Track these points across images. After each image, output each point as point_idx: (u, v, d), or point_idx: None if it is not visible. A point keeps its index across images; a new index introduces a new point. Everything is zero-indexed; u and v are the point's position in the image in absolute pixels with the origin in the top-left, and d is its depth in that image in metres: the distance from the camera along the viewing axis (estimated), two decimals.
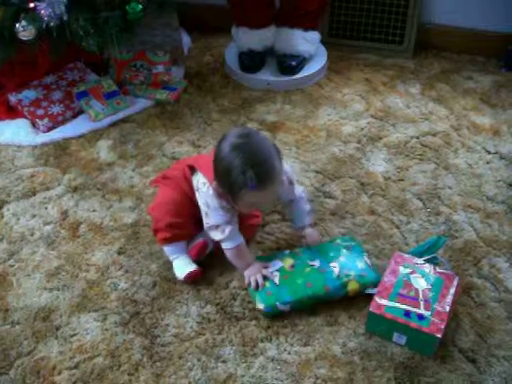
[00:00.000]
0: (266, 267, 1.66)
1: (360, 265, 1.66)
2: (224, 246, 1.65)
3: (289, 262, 1.68)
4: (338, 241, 1.75)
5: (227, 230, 1.62)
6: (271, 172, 1.50)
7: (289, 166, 1.75)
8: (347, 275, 1.63)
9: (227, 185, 1.53)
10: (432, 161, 2.10)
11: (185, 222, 1.70)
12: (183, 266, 1.70)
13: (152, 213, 1.76)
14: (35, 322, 1.63)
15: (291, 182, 1.69)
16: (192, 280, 1.69)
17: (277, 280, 1.64)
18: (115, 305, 1.66)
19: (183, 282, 1.70)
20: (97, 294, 1.69)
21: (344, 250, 1.70)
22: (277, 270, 1.66)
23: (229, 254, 1.67)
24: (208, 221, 1.63)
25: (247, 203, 1.56)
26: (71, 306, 1.66)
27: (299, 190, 1.76)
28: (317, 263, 1.66)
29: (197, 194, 1.65)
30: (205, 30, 2.81)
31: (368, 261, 1.69)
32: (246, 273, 1.66)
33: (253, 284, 1.63)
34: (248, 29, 2.48)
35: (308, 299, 1.61)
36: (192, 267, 1.69)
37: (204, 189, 1.62)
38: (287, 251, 1.73)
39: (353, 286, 1.62)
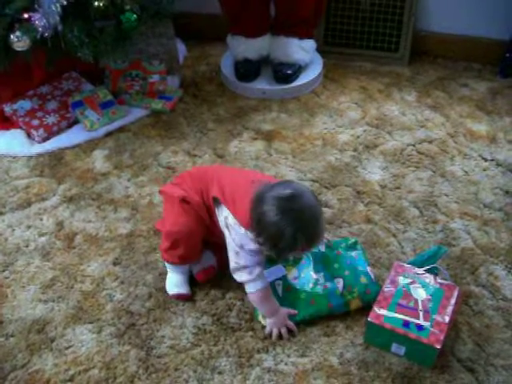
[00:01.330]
0: (289, 315, 1.60)
1: (364, 280, 1.64)
2: (248, 288, 1.56)
3: (292, 271, 1.67)
4: (343, 246, 1.74)
5: (256, 271, 1.53)
6: (320, 234, 1.45)
7: None
8: (351, 293, 1.61)
9: (273, 247, 1.43)
10: (428, 168, 2.09)
11: (196, 251, 1.67)
12: (176, 284, 1.69)
13: (165, 235, 1.67)
14: (30, 334, 1.62)
15: None
16: (179, 300, 1.68)
17: (280, 291, 1.63)
18: (110, 316, 1.65)
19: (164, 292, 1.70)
20: (92, 306, 1.68)
21: (348, 262, 1.68)
22: (279, 279, 1.65)
23: (252, 298, 1.57)
24: (238, 260, 1.53)
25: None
26: (66, 318, 1.65)
27: None
28: (321, 278, 1.64)
29: (226, 232, 1.55)
30: (200, 39, 2.81)
31: (371, 273, 1.67)
32: (271, 322, 1.58)
33: (274, 337, 1.57)
34: (243, 38, 2.48)
35: (310, 317, 1.60)
36: (183, 289, 1.68)
37: (238, 228, 1.52)
38: (290, 257, 1.70)
39: (355, 305, 1.61)
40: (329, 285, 1.63)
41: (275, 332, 1.57)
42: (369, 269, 1.68)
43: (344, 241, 1.76)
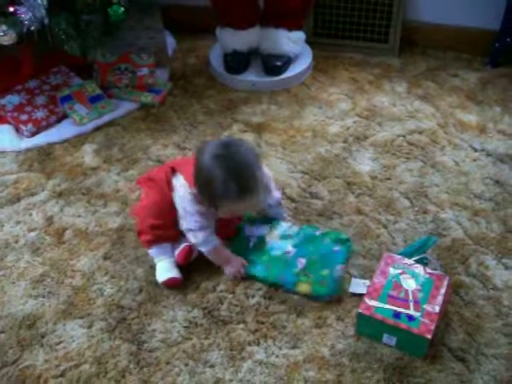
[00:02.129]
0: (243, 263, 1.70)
1: (325, 272, 1.65)
2: (199, 248, 1.68)
3: (273, 234, 1.76)
4: (328, 238, 1.75)
5: (200, 235, 1.64)
6: (252, 182, 1.51)
7: (267, 170, 1.75)
8: (306, 276, 1.64)
9: (208, 194, 1.54)
10: (419, 159, 2.09)
11: (167, 224, 1.69)
12: (165, 270, 1.69)
13: (135, 215, 1.77)
14: (20, 330, 1.61)
15: (268, 188, 1.71)
16: (170, 286, 1.68)
17: (251, 244, 1.75)
18: (101, 311, 1.64)
19: (162, 286, 1.69)
20: (82, 301, 1.67)
21: (323, 251, 1.70)
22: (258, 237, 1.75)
23: (205, 255, 1.70)
24: (183, 223, 1.65)
25: (228, 211, 1.59)
26: (57, 313, 1.64)
27: (277, 194, 1.78)
28: (292, 252, 1.71)
29: (173, 195, 1.66)
30: (189, 32, 2.79)
31: (340, 271, 1.67)
32: (227, 271, 1.70)
33: (233, 278, 1.69)
34: (232, 30, 2.47)
35: (260, 279, 1.67)
36: (172, 273, 1.68)
37: (181, 192, 1.63)
38: (284, 224, 1.79)
39: (303, 289, 1.63)
40: (292, 261, 1.68)
41: (232, 278, 1.69)
42: (340, 267, 1.68)
43: (336, 234, 1.76)
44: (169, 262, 1.71)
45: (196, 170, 1.55)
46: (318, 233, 1.77)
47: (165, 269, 1.69)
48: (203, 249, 1.67)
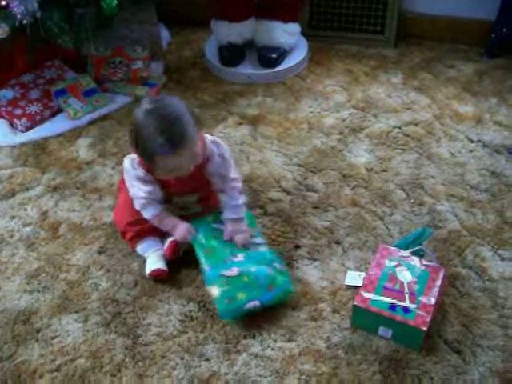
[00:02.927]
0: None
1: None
2: (143, 215, 1.69)
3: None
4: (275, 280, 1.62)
5: (140, 202, 1.65)
6: (182, 136, 1.49)
7: (226, 145, 1.71)
8: (224, 284, 1.58)
9: (141, 151, 1.54)
10: (415, 151, 2.08)
11: (142, 218, 1.69)
12: (151, 263, 1.70)
13: (114, 219, 1.81)
14: (15, 325, 1.61)
15: (224, 158, 1.67)
16: (156, 277, 1.68)
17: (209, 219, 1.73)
18: (96, 305, 1.64)
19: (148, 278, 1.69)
20: (78, 295, 1.67)
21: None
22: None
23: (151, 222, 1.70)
24: (130, 192, 1.68)
25: (163, 168, 1.56)
26: (52, 308, 1.64)
27: (235, 174, 1.71)
28: (236, 258, 1.65)
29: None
30: (184, 24, 2.78)
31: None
32: (174, 235, 1.70)
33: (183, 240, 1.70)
34: (227, 22, 2.45)
35: (196, 254, 1.67)
36: (157, 265, 1.68)
37: (125, 164, 1.66)
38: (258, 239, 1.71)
39: (213, 291, 1.59)
40: (229, 263, 1.63)
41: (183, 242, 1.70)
42: (268, 269, 1.61)
43: (284, 284, 1.62)
44: (156, 254, 1.71)
45: (130, 128, 1.56)
46: (269, 271, 1.61)
47: (151, 261, 1.70)
48: (146, 215, 1.68)
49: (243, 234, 1.68)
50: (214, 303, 1.59)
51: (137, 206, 1.67)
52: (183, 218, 1.73)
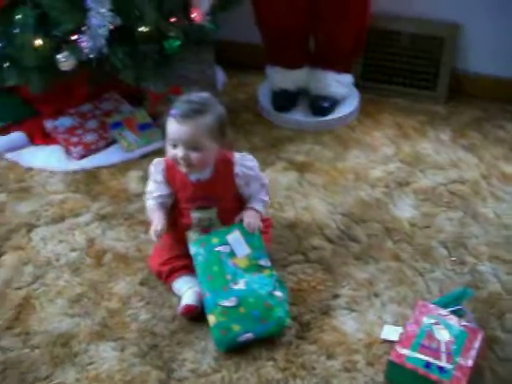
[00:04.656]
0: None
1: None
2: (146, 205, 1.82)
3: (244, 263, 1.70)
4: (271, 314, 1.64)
5: (148, 196, 1.80)
6: (196, 111, 1.63)
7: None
8: (221, 314, 1.61)
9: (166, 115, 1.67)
10: (459, 209, 2.08)
11: (174, 257, 1.78)
12: (184, 299, 1.71)
13: (150, 265, 1.86)
14: (54, 347, 1.64)
15: (251, 169, 1.78)
16: (186, 314, 1.69)
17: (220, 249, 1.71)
18: (134, 336, 1.67)
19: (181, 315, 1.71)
20: (117, 324, 1.70)
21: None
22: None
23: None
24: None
25: (169, 136, 1.66)
26: (91, 334, 1.67)
27: (264, 180, 1.84)
28: (238, 286, 1.66)
29: None
30: (239, 68, 2.85)
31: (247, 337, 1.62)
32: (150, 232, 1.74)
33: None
34: (282, 69, 2.51)
35: (196, 271, 1.70)
36: (188, 300, 1.69)
37: (152, 164, 1.80)
38: (263, 262, 1.71)
39: (210, 319, 1.62)
40: (228, 292, 1.64)
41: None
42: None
43: (279, 319, 1.66)
44: (189, 292, 1.71)
45: None
46: (266, 304, 1.63)
47: (184, 298, 1.72)
48: (146, 205, 1.81)
49: (254, 218, 1.74)
50: (211, 331, 1.62)
51: (146, 198, 1.81)
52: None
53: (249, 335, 1.61)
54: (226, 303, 1.62)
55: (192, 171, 1.71)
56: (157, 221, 1.72)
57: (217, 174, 1.74)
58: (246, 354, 1.61)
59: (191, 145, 1.64)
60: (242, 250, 1.71)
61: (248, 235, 1.72)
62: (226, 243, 1.71)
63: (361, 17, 2.41)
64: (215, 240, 1.72)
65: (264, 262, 1.71)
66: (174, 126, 1.64)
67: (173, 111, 1.64)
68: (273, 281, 1.68)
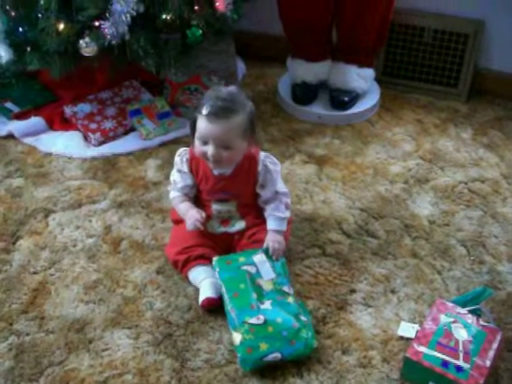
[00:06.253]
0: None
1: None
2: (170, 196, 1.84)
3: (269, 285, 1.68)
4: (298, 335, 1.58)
5: (171, 187, 1.82)
6: (228, 110, 1.60)
7: (277, 161, 1.81)
8: (247, 331, 1.55)
9: (196, 111, 1.67)
10: (479, 208, 2.06)
11: (190, 246, 1.75)
12: (202, 293, 1.70)
13: (166, 253, 1.85)
14: (69, 332, 1.65)
15: (273, 171, 1.76)
16: (208, 307, 1.68)
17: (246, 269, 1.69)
18: (149, 324, 1.67)
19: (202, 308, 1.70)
20: (132, 312, 1.70)
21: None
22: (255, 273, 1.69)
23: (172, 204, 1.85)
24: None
25: (199, 134, 1.64)
26: (105, 321, 1.67)
27: (284, 189, 1.80)
28: (263, 306, 1.62)
29: None
30: (260, 59, 2.83)
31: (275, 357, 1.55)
32: (187, 224, 1.74)
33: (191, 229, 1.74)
34: (304, 61, 2.50)
35: (222, 292, 1.67)
36: (208, 294, 1.68)
37: (176, 154, 1.80)
38: (286, 288, 1.68)
39: (235, 337, 1.57)
40: (255, 310, 1.60)
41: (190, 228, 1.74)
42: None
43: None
44: (206, 282, 1.70)
45: None
46: (294, 325, 1.57)
47: (203, 291, 1.70)
48: (170, 196, 1.83)
49: (279, 243, 1.73)
50: (235, 349, 1.57)
51: (169, 188, 1.83)
52: (226, 235, 1.80)
53: (276, 355, 1.53)
54: (254, 321, 1.57)
55: (220, 167, 1.70)
56: (194, 210, 1.73)
57: (239, 170, 1.73)
58: None
59: (223, 144, 1.63)
60: (268, 273, 1.70)
61: (272, 260, 1.72)
62: (253, 263, 1.70)
63: (384, 11, 2.38)
64: (242, 259, 1.71)
65: (287, 288, 1.68)
66: (205, 125, 1.61)
67: (204, 109, 1.60)
68: (297, 306, 1.65)
